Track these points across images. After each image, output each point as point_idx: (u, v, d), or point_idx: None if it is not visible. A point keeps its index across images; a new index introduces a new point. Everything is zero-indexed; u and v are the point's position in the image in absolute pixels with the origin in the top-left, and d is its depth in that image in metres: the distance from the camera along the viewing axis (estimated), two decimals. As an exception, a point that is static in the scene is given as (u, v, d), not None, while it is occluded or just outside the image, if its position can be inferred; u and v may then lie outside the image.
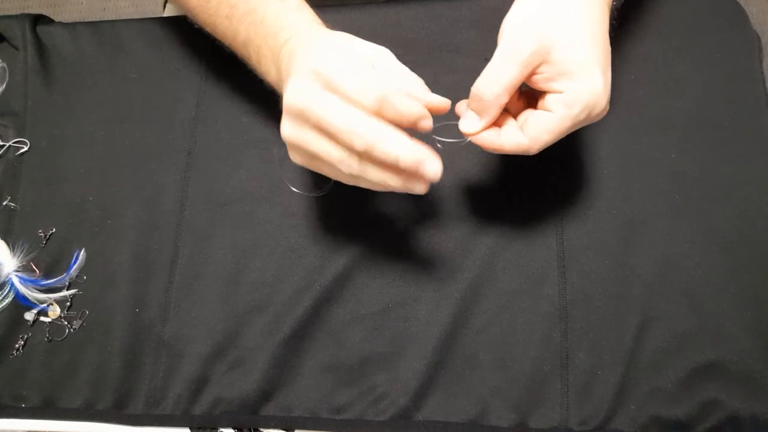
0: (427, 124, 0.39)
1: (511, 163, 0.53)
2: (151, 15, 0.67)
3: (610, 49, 0.42)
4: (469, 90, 0.56)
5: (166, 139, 0.59)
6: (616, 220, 0.51)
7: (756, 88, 0.53)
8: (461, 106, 0.44)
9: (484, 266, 0.51)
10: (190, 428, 0.51)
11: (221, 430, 0.50)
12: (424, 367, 0.49)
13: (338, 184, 0.44)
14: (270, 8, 0.46)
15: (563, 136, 0.41)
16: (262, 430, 0.50)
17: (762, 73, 0.54)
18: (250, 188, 0.56)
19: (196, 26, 0.54)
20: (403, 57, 0.58)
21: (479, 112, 0.42)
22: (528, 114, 0.43)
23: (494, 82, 0.40)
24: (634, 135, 0.53)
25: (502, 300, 0.50)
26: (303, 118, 0.39)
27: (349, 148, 0.38)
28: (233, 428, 0.50)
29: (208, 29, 0.53)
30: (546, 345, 0.49)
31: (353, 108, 0.38)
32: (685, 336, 0.48)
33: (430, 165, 0.38)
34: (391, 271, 0.52)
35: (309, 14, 0.46)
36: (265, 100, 0.59)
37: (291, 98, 0.39)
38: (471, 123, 0.42)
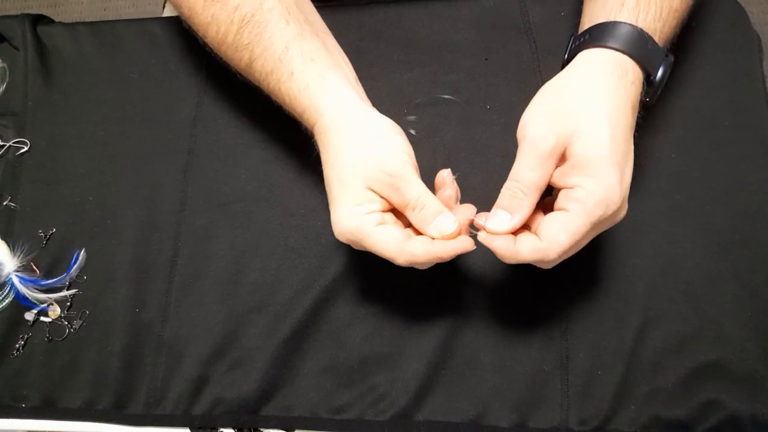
0: (468, 248, 0.42)
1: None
2: (151, 15, 0.67)
3: (632, 148, 0.42)
4: (467, 89, 0.57)
5: (166, 138, 0.59)
6: (616, 220, 0.51)
7: (756, 88, 0.53)
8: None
9: (485, 266, 0.51)
10: (190, 428, 0.51)
11: (221, 430, 0.50)
12: (424, 367, 0.49)
13: None
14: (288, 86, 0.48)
15: (581, 238, 0.39)
16: (262, 430, 0.50)
17: (762, 73, 0.54)
18: (250, 188, 0.56)
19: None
20: (403, 56, 0.59)
21: (512, 210, 0.41)
22: (541, 219, 0.41)
23: (524, 178, 0.41)
24: (634, 135, 0.53)
25: (503, 300, 0.50)
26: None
27: None
28: (233, 428, 0.50)
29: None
30: (546, 345, 0.49)
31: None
32: (685, 336, 0.48)
33: (466, 250, 0.42)
34: (390, 271, 0.52)
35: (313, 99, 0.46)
36: (265, 100, 0.59)
37: (338, 237, 0.45)
38: (501, 221, 0.41)
